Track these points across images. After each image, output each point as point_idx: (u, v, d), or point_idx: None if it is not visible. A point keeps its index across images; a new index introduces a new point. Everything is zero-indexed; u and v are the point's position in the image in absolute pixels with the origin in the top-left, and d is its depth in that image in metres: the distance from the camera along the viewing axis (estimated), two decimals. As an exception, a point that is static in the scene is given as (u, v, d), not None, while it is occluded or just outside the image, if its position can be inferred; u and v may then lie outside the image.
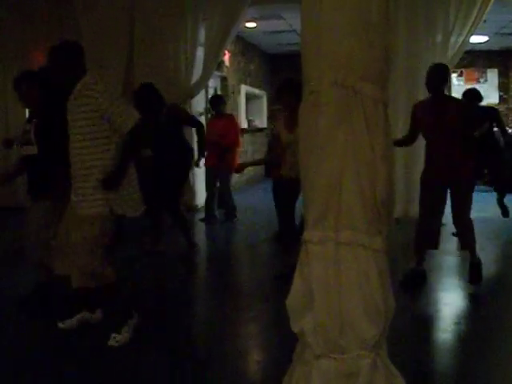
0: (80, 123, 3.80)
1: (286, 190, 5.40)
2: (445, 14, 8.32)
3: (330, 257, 2.62)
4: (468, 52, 10.66)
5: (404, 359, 3.37)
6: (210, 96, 10.56)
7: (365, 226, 2.60)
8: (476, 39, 11.74)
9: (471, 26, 8.37)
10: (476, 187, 5.21)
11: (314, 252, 2.66)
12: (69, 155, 3.90)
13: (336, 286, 2.61)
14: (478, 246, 5.28)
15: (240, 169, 6.05)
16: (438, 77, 5.10)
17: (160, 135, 6.14)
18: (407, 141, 5.53)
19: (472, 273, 5.25)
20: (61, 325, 4.29)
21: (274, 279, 5.52)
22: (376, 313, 2.61)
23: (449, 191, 5.21)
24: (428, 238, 5.30)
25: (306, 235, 2.70)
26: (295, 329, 2.75)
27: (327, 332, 2.63)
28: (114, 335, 3.97)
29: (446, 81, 5.19)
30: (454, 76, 14.68)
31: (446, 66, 5.28)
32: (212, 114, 9.38)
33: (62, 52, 3.93)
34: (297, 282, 2.74)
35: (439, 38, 8.40)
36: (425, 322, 4.59)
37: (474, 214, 5.24)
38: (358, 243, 2.60)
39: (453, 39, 8.41)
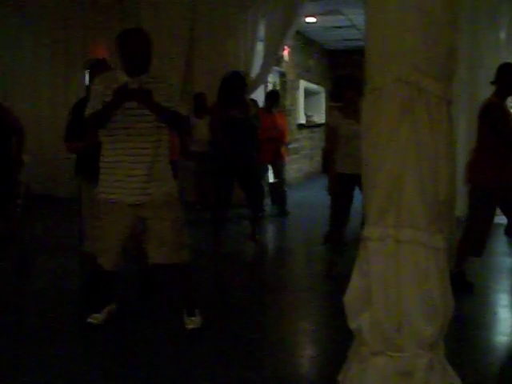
0: None
1: (342, 186, 5.31)
2: (509, 9, 8.10)
3: (390, 254, 2.62)
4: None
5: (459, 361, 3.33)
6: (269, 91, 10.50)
7: (425, 224, 2.59)
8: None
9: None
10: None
11: (373, 249, 2.66)
12: None
13: (395, 283, 2.61)
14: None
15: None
16: None
17: (243, 127, 6.25)
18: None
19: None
20: (93, 320, 4.19)
21: (326, 277, 5.51)
22: (435, 312, 2.59)
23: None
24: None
25: (366, 232, 2.70)
26: (352, 325, 2.75)
27: (384, 330, 2.63)
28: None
29: None
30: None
31: None
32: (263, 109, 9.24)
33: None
34: (355, 279, 2.75)
35: (503, 34, 8.15)
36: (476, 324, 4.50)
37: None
38: (418, 241, 2.58)
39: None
